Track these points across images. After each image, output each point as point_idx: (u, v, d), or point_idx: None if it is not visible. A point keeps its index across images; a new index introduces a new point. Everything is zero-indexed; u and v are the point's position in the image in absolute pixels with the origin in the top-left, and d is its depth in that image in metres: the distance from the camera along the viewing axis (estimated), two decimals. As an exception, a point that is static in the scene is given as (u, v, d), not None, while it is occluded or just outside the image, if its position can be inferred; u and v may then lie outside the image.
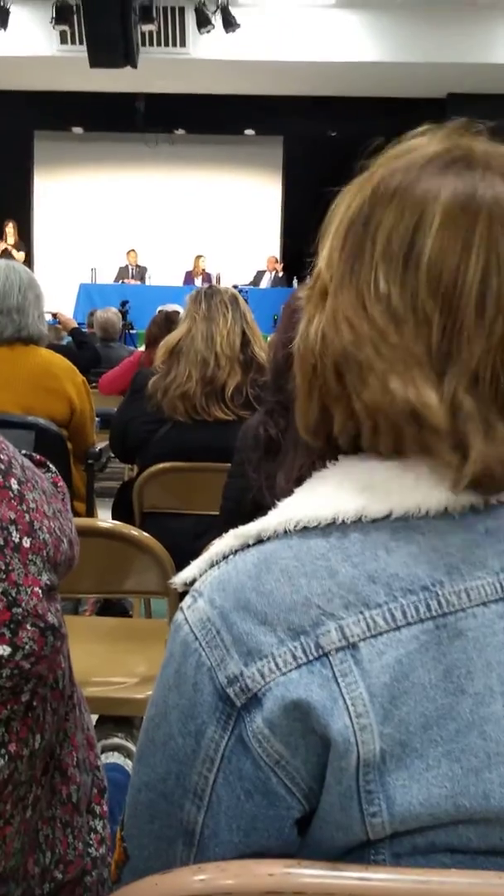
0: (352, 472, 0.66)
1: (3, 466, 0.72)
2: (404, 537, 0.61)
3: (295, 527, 0.63)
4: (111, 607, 2.91)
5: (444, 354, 0.61)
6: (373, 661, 0.58)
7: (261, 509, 0.69)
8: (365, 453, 0.67)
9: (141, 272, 12.42)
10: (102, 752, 1.80)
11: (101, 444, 2.87)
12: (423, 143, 0.68)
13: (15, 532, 0.70)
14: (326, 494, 0.65)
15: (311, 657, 0.58)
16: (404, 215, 0.63)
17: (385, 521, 0.62)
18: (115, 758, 1.78)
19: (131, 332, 9.07)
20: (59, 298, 9.19)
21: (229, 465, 1.87)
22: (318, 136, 12.58)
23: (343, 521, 0.62)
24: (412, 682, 0.57)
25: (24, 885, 0.78)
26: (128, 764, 1.62)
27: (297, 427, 0.73)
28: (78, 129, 13.84)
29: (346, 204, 0.68)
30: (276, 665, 0.58)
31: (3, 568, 0.67)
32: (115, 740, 1.84)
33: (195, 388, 2.40)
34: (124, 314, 8.30)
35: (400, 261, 0.63)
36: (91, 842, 0.90)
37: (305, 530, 0.63)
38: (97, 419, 2.91)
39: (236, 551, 0.65)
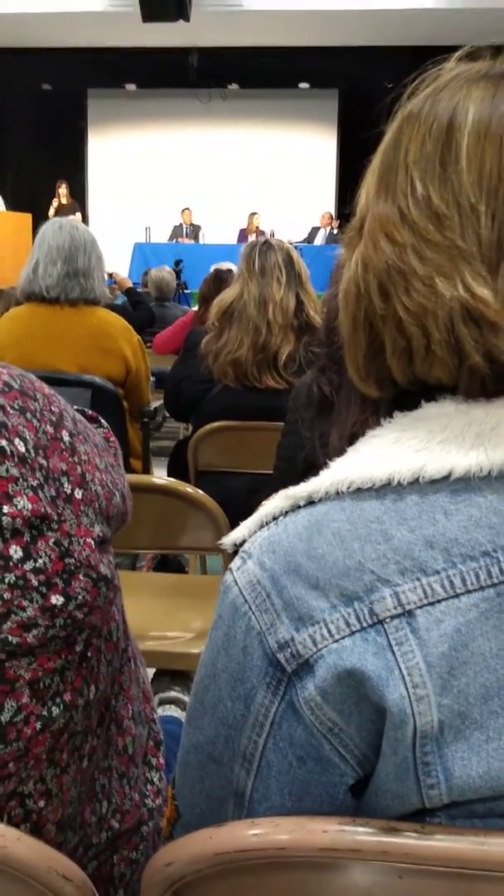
0: (408, 428, 0.63)
1: (54, 419, 0.72)
2: (464, 500, 0.58)
3: (348, 488, 0.61)
4: (167, 563, 2.94)
5: (498, 243, 0.58)
6: (430, 629, 0.56)
7: (314, 468, 0.67)
8: (420, 408, 0.63)
9: (195, 231, 12.35)
10: (159, 705, 1.83)
11: (156, 403, 2.88)
12: (444, 70, 0.66)
13: (67, 483, 0.69)
14: (381, 454, 0.62)
15: (364, 624, 0.56)
16: (435, 122, 0.62)
17: (444, 482, 0.59)
18: (171, 710, 1.80)
19: (185, 291, 9.03)
20: (113, 258, 9.17)
21: (282, 423, 1.85)
22: (374, 88, 12.27)
23: (399, 482, 0.59)
24: (472, 652, 0.55)
25: (81, 833, 0.79)
26: (184, 717, 1.65)
27: (349, 373, 0.70)
28: (131, 86, 13.75)
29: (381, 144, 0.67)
30: (329, 631, 0.57)
31: (56, 518, 0.67)
32: (172, 693, 1.86)
33: (246, 354, 2.33)
34: (178, 273, 8.26)
35: (436, 161, 0.61)
36: (147, 793, 0.91)
37: (359, 492, 0.61)
38: (152, 378, 2.91)
39: (287, 512, 0.63)
